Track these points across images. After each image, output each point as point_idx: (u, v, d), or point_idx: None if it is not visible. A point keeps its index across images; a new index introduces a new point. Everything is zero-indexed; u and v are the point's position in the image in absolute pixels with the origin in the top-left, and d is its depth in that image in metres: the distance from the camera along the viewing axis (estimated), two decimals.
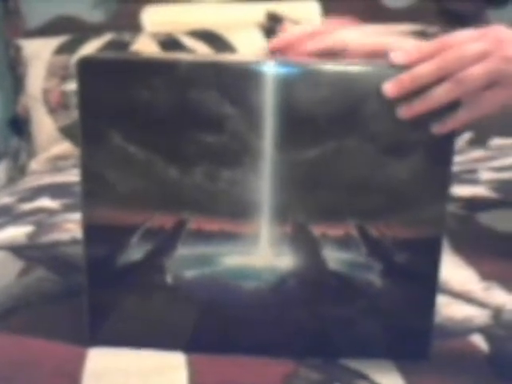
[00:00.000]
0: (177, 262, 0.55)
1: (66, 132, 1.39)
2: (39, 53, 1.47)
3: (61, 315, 0.61)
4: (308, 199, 0.55)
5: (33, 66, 1.46)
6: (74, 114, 1.40)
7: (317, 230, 0.55)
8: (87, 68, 0.53)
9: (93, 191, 0.55)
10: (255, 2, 1.66)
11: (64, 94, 1.41)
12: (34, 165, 1.37)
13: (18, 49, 1.52)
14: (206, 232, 0.55)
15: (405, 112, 0.52)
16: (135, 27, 1.62)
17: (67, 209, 0.96)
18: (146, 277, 0.56)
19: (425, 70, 0.52)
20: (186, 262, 0.55)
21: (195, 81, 0.52)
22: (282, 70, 0.52)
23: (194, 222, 0.55)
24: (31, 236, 0.82)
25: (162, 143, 0.54)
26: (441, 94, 0.52)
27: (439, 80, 0.52)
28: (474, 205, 0.89)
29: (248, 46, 1.54)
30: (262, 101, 0.53)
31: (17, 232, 0.84)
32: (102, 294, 0.56)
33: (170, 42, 1.51)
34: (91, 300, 0.56)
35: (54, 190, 1.08)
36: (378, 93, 0.52)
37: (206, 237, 0.55)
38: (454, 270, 0.70)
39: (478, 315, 0.62)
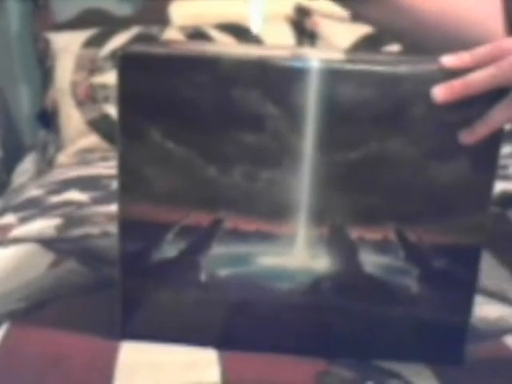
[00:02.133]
0: (211, 260, 0.55)
1: (94, 125, 1.39)
2: (68, 46, 1.48)
3: (92, 308, 0.61)
4: (347, 201, 0.54)
5: (61, 59, 1.47)
6: (101, 107, 1.41)
7: (354, 233, 0.54)
8: (127, 62, 0.52)
9: (130, 187, 0.54)
10: None
11: (92, 87, 1.41)
12: (62, 157, 1.37)
13: (46, 42, 1.53)
14: (242, 231, 0.54)
15: (443, 94, 0.50)
16: (163, 21, 1.62)
17: (96, 202, 0.96)
18: (180, 274, 0.55)
19: (478, 78, 0.49)
20: (221, 261, 0.55)
21: (238, 78, 0.51)
22: (327, 69, 0.51)
23: (230, 221, 0.54)
24: (60, 228, 0.82)
25: (202, 141, 0.53)
26: (482, 77, 0.49)
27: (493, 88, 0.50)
28: (506, 201, 0.87)
29: (275, 40, 1.54)
30: (305, 100, 0.52)
31: (45, 224, 0.84)
32: (135, 288, 0.56)
33: (197, 36, 1.50)
34: (124, 294, 0.56)
35: (82, 183, 1.09)
36: (426, 96, 0.51)
37: (241, 236, 0.54)
38: (486, 268, 0.69)
39: None
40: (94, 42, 1.47)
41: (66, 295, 0.63)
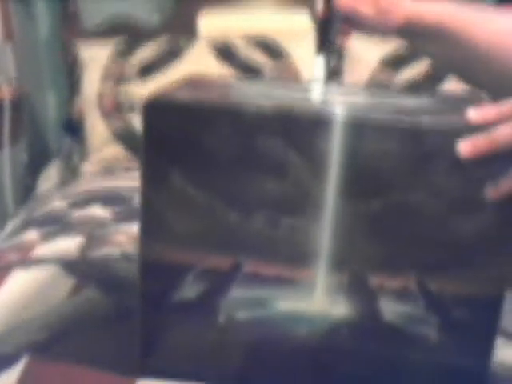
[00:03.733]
0: (230, 302, 0.55)
1: (119, 136, 1.40)
2: (95, 57, 1.49)
3: (112, 341, 0.61)
4: (367, 249, 0.54)
5: (89, 70, 1.48)
6: (126, 118, 1.42)
7: (374, 281, 0.54)
8: (153, 109, 0.53)
9: (151, 229, 0.55)
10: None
11: (118, 98, 1.42)
12: (87, 167, 1.39)
13: (75, 52, 1.54)
14: (262, 276, 0.54)
15: (468, 150, 0.49)
16: (191, 30, 1.62)
17: (119, 218, 0.97)
18: (199, 315, 0.56)
19: (503, 134, 0.49)
20: (239, 304, 0.55)
21: (261, 128, 0.52)
22: (351, 120, 0.51)
23: (250, 265, 0.54)
24: (82, 249, 0.83)
25: (224, 187, 0.53)
26: (507, 134, 0.48)
27: None
28: None
29: (305, 55, 1.53)
30: (328, 149, 0.51)
31: (68, 244, 0.85)
32: (155, 327, 0.56)
33: (224, 48, 1.50)
34: (144, 332, 0.56)
35: (105, 196, 1.09)
36: (449, 150, 0.50)
37: (261, 280, 0.55)
38: (507, 309, 0.68)
39: None
40: (122, 54, 1.48)
41: (86, 326, 0.63)
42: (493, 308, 0.54)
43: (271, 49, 1.51)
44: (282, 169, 0.52)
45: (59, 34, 1.66)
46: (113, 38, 1.53)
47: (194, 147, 0.53)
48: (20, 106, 1.56)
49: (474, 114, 0.50)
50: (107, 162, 1.38)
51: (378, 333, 0.55)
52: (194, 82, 0.67)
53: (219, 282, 0.55)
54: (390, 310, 0.54)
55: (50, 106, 1.71)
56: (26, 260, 0.80)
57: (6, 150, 1.47)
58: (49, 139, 1.69)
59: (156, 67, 1.46)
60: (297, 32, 1.57)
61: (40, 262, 0.79)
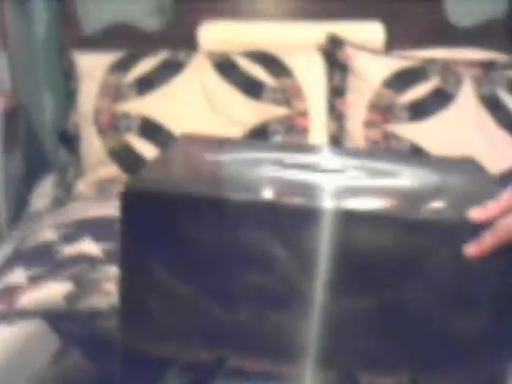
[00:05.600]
0: None
1: (114, 155, 1.37)
2: (93, 69, 1.45)
3: None
4: (357, 347, 0.51)
5: (86, 83, 1.44)
6: (122, 137, 1.38)
7: (365, 379, 0.51)
8: (132, 197, 0.50)
9: (132, 320, 0.52)
10: (315, 21, 1.60)
11: (114, 116, 1.39)
12: (81, 186, 1.36)
13: (72, 61, 1.50)
14: (247, 371, 0.52)
15: (476, 250, 0.48)
16: (191, 40, 1.58)
17: (109, 258, 0.95)
18: None
19: (506, 227, 0.47)
20: None
21: (245, 220, 0.49)
22: (341, 210, 0.48)
23: (235, 360, 0.52)
24: (69, 299, 0.81)
25: (207, 279, 0.50)
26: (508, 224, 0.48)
27: None
28: None
29: (306, 69, 1.49)
30: (317, 242, 0.49)
31: (55, 292, 0.82)
32: None
33: (225, 63, 1.47)
34: None
35: (98, 228, 1.07)
36: (448, 245, 0.48)
37: (246, 376, 0.52)
38: None
39: None
40: (120, 68, 1.44)
41: None
42: None
43: (272, 64, 1.47)
44: (268, 262, 0.49)
45: (57, 36, 1.62)
46: (111, 49, 1.49)
47: (174, 237, 0.50)
48: (15, 115, 1.53)
49: (477, 215, 0.48)
50: (102, 183, 1.35)
51: None
52: (183, 150, 0.64)
53: (203, 376, 0.52)
54: None
55: (46, 112, 1.67)
56: (10, 312, 0.78)
57: (1, 161, 1.44)
58: (45, 147, 1.66)
59: (155, 81, 1.42)
60: (299, 46, 1.53)
61: (25, 314, 0.77)
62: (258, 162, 0.60)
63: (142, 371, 0.52)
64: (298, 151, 0.67)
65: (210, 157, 0.62)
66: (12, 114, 1.51)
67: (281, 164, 0.61)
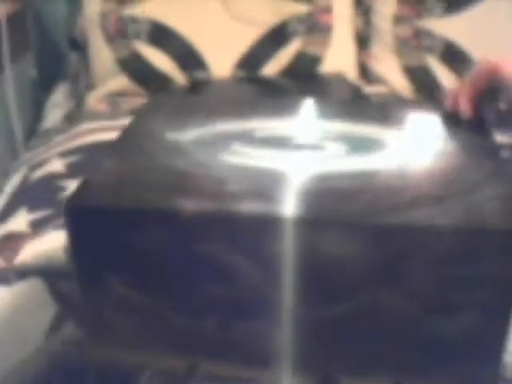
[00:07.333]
0: None
1: (124, 64, 1.30)
2: None
3: None
4: (336, 352, 0.49)
5: None
6: (131, 45, 1.30)
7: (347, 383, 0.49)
8: (76, 212, 0.45)
9: (96, 333, 0.50)
10: None
11: (122, 21, 1.29)
12: (92, 100, 1.30)
13: None
14: (221, 376, 0.51)
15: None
16: None
17: None
18: None
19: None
20: None
21: (200, 231, 0.44)
22: (306, 217, 0.43)
23: (206, 367, 0.50)
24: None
25: (168, 292, 0.47)
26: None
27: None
28: None
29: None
30: (279, 250, 0.44)
31: (56, 243, 0.81)
32: None
33: None
34: None
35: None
36: (422, 248, 0.43)
37: (220, 380, 0.51)
38: None
39: None
40: None
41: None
42: None
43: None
44: (228, 273, 0.46)
45: None
46: None
47: (127, 252, 0.46)
48: (21, 19, 1.46)
49: (463, 107, 0.57)
50: (113, 98, 1.29)
51: None
52: (141, 129, 0.58)
53: (176, 383, 0.51)
54: None
55: (58, 15, 1.59)
56: (9, 270, 0.78)
57: (9, 71, 1.39)
58: (60, 51, 1.60)
59: None
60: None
61: (24, 272, 0.76)
62: (225, 138, 0.55)
63: (114, 382, 0.52)
64: (274, 114, 0.61)
65: (170, 136, 0.56)
66: (17, 18, 1.43)
67: (250, 138, 0.55)
